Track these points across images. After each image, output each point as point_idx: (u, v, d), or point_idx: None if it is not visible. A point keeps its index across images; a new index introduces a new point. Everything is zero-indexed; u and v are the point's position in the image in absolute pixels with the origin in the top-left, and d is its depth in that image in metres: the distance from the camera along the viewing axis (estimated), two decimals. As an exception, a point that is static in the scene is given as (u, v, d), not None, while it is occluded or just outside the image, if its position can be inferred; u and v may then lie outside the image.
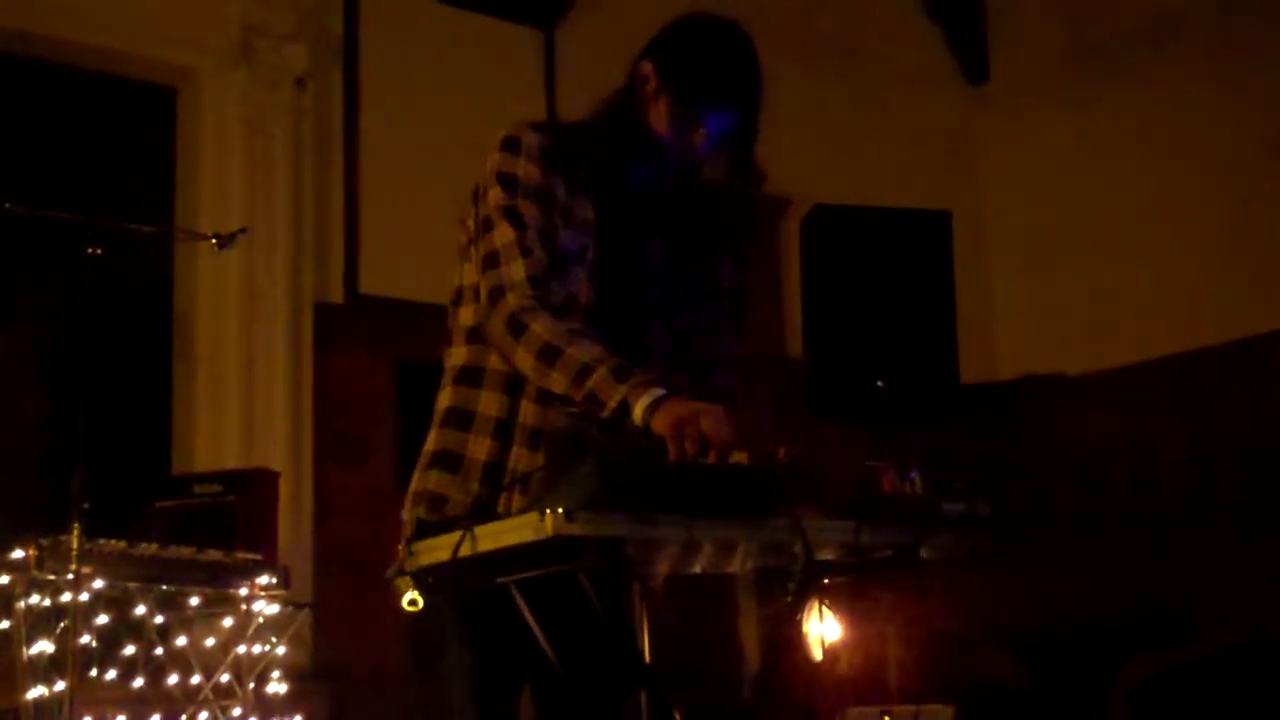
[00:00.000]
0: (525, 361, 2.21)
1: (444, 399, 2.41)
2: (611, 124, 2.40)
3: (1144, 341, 6.79)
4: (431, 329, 2.63)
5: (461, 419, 2.36)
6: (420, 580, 2.12)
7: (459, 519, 2.22)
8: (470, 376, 2.38)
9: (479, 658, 2.28)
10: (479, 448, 2.33)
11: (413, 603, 2.13)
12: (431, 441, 2.40)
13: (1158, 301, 6.80)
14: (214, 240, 4.18)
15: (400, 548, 2.28)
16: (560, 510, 1.89)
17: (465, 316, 2.41)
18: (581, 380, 2.14)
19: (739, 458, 2.10)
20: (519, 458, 2.31)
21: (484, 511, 2.22)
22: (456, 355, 2.41)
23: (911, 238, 4.62)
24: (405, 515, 2.38)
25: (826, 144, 7.08)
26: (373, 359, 5.66)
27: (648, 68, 2.38)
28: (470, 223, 2.39)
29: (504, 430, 2.33)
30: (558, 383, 2.17)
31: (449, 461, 2.35)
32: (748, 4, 7.47)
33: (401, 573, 2.22)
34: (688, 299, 2.46)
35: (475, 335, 2.38)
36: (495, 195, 2.32)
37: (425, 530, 2.27)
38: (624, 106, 2.39)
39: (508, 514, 2.15)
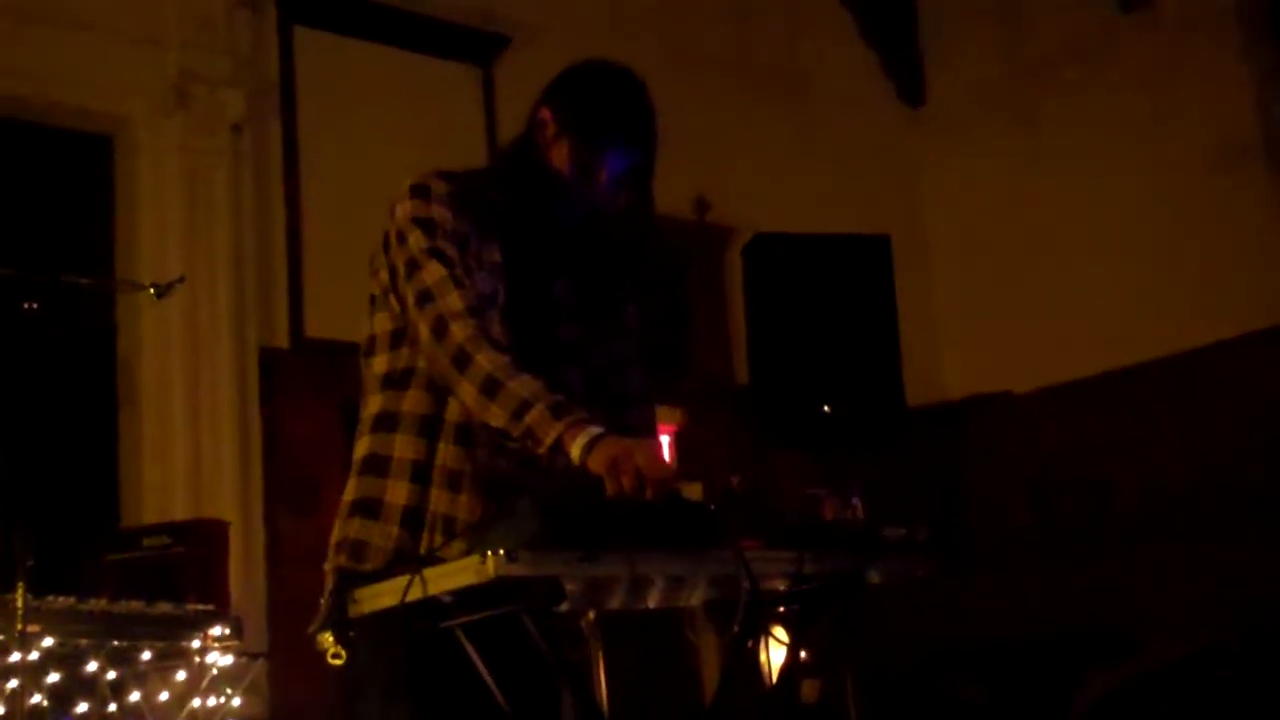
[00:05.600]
0: (468, 393, 2.23)
1: (360, 448, 2.42)
2: (514, 168, 2.46)
3: (1090, 357, 6.84)
4: (362, 377, 2.62)
5: (378, 465, 2.37)
6: (341, 633, 2.11)
7: (392, 565, 2.21)
8: (385, 422, 2.39)
9: (413, 712, 2.26)
10: (397, 492, 2.34)
11: (336, 656, 2.13)
12: (350, 491, 2.40)
13: (1102, 317, 6.87)
14: (151, 290, 4.14)
15: (323, 601, 2.27)
16: (501, 551, 1.88)
17: (378, 365, 2.43)
18: (520, 416, 2.16)
19: (692, 490, 2.12)
20: (439, 500, 2.32)
21: (405, 556, 2.23)
22: (372, 404, 2.43)
23: (853, 263, 4.64)
24: (327, 566, 2.37)
25: (768, 172, 7.12)
26: (321, 403, 5.62)
27: (546, 114, 2.45)
28: (384, 273, 2.42)
29: (422, 473, 2.34)
30: (497, 416, 2.19)
31: (368, 508, 2.36)
32: (686, 35, 7.54)
33: (324, 626, 2.21)
34: (598, 338, 2.51)
35: (389, 382, 2.41)
36: (416, 238, 2.35)
37: (348, 580, 2.26)
38: (525, 151, 2.46)
39: (432, 557, 2.14)
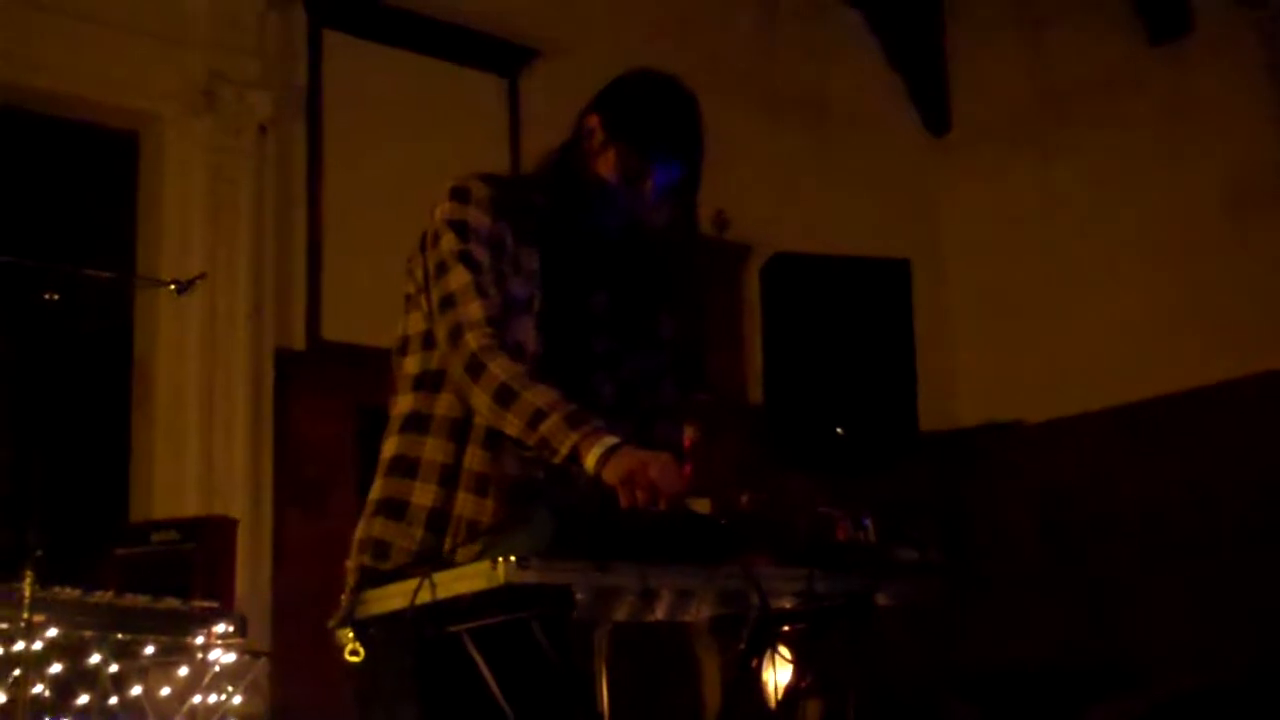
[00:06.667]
0: (482, 402, 2.23)
1: (389, 448, 2.41)
2: (559, 174, 2.44)
3: (1103, 389, 6.83)
4: (393, 376, 2.63)
5: (407, 466, 2.36)
6: (361, 631, 2.11)
7: (406, 567, 2.21)
8: (416, 423, 2.38)
9: (420, 716, 2.25)
10: (424, 494, 2.33)
11: (354, 653, 2.12)
12: (377, 490, 2.39)
13: (1116, 349, 6.86)
14: (173, 286, 4.16)
15: (344, 597, 2.27)
16: (513, 558, 1.88)
17: (410, 365, 2.42)
18: (535, 425, 2.15)
19: (701, 505, 2.11)
20: (464, 503, 2.31)
21: (428, 558, 2.22)
22: (402, 403, 2.42)
23: (871, 286, 4.64)
24: (350, 564, 2.37)
25: (789, 193, 7.12)
26: (334, 405, 5.63)
27: (594, 121, 2.42)
28: (419, 272, 2.40)
29: (450, 476, 2.33)
30: (512, 425, 2.18)
31: (394, 508, 2.35)
32: (712, 55, 7.56)
33: (344, 623, 2.20)
34: (632, 350, 2.49)
35: (421, 383, 2.40)
36: (448, 241, 2.34)
37: (369, 578, 2.26)
38: (570, 157, 2.43)
39: (453, 561, 2.14)
